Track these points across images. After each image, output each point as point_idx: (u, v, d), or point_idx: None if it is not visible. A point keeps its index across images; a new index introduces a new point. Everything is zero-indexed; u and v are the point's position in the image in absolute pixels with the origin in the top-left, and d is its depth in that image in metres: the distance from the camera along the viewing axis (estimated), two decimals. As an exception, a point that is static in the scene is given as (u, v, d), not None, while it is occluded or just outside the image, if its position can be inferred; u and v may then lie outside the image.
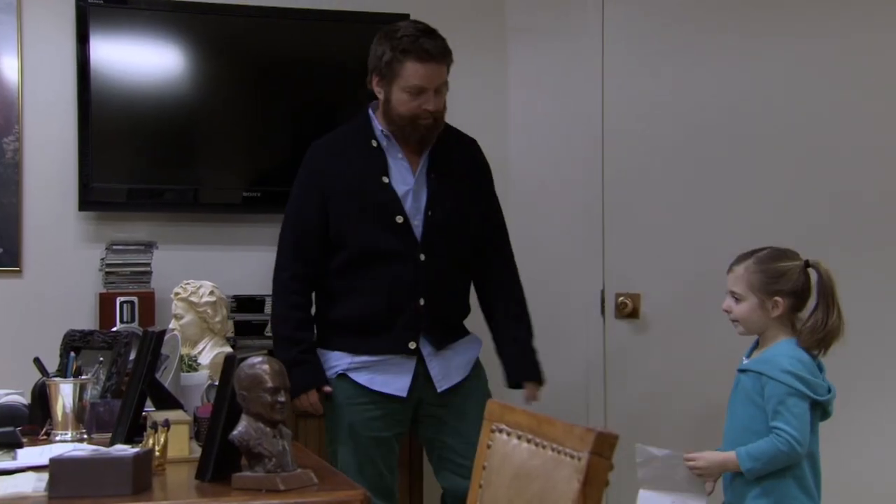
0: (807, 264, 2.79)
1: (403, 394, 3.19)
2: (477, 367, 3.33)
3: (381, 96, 3.21)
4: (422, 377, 3.21)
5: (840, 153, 3.88)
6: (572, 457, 1.80)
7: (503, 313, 3.37)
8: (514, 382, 3.34)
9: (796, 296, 2.78)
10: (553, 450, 1.86)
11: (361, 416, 3.18)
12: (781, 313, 2.78)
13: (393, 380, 3.19)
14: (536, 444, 1.92)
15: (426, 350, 3.21)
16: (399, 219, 3.17)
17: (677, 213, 4.02)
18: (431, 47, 3.14)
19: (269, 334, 3.55)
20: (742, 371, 2.82)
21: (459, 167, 3.30)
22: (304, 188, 3.28)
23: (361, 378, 3.20)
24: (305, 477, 2.20)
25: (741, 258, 2.84)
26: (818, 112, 3.89)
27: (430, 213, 3.19)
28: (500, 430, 2.05)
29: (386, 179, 3.19)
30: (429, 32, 3.18)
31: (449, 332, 3.27)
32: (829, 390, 2.74)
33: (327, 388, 3.18)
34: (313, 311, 3.31)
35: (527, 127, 4.24)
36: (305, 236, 3.23)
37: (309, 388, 3.16)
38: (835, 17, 3.90)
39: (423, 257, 3.18)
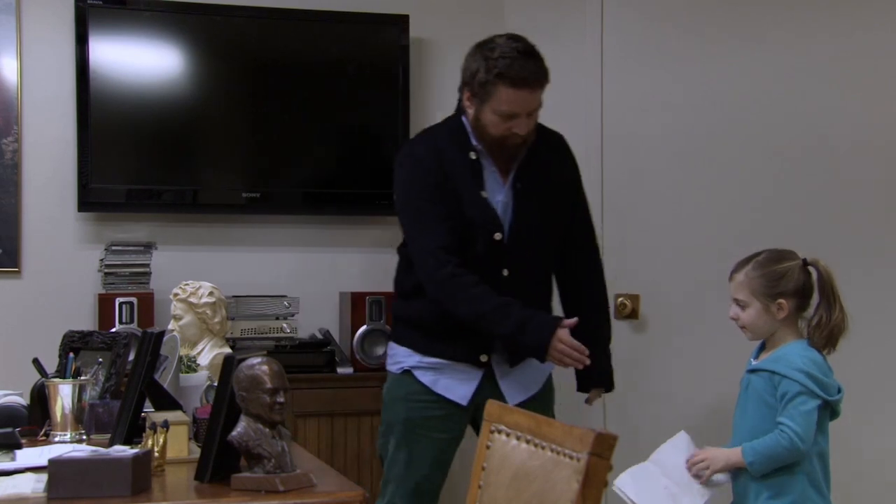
0: (805, 263, 2.79)
1: (465, 402, 3.13)
2: (549, 379, 3.25)
3: (471, 111, 3.07)
4: (488, 385, 3.13)
5: (840, 153, 3.88)
6: (571, 457, 1.79)
7: (582, 316, 3.16)
8: (583, 389, 3.26)
9: (799, 295, 2.78)
10: (552, 450, 1.86)
11: (420, 414, 3.14)
12: (787, 314, 2.78)
13: (457, 386, 3.13)
14: (536, 445, 1.92)
15: (498, 364, 3.13)
16: (497, 236, 3.07)
17: (677, 213, 4.01)
18: (528, 73, 2.98)
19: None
20: (752, 371, 2.82)
21: (546, 172, 3.17)
22: (420, 186, 3.08)
23: (426, 378, 3.14)
24: (304, 478, 2.19)
25: (740, 265, 2.84)
26: (818, 112, 3.88)
27: (514, 227, 3.09)
28: (500, 431, 2.05)
29: (484, 194, 3.08)
30: (527, 54, 3.01)
31: None
32: (840, 390, 2.75)
33: (568, 322, 2.99)
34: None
35: (526, 127, 4.24)
36: (440, 228, 3.04)
37: (552, 333, 2.95)
38: (835, 16, 3.89)
39: (506, 272, 3.09)
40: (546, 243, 3.18)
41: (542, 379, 3.22)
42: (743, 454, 2.73)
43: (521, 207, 3.11)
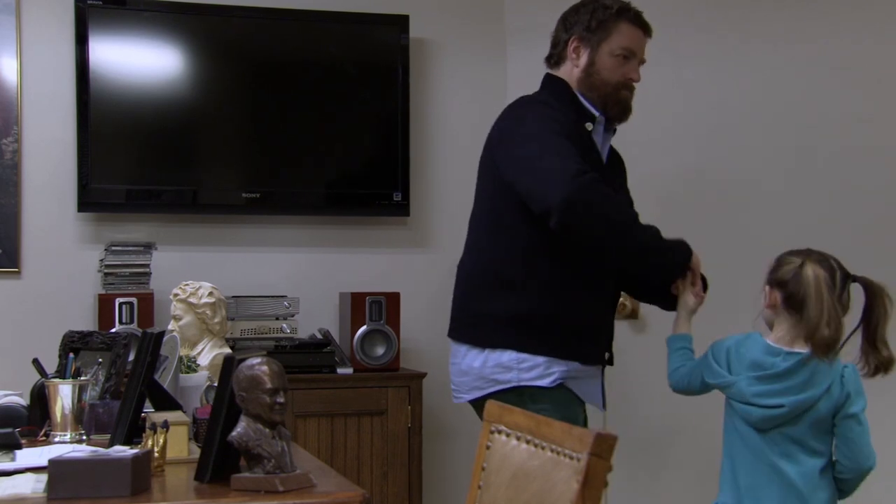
0: (802, 264, 2.75)
1: (602, 406, 2.96)
2: None
3: (580, 62, 2.93)
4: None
5: (841, 153, 3.88)
6: (571, 458, 1.79)
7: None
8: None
9: (782, 287, 2.74)
10: (552, 451, 1.86)
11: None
12: (770, 304, 2.76)
13: (595, 391, 2.93)
14: (535, 445, 1.92)
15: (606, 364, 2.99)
16: None
17: (676, 213, 4.00)
18: (642, 18, 2.98)
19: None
20: None
21: (619, 166, 3.14)
22: (556, 125, 2.80)
23: (579, 389, 2.87)
24: (304, 478, 2.19)
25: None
26: (818, 112, 3.88)
27: None
28: (500, 431, 2.05)
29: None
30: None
31: None
32: (730, 384, 2.76)
33: None
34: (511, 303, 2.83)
35: (526, 127, 4.24)
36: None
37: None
38: (836, 16, 3.89)
39: None
40: None
41: None
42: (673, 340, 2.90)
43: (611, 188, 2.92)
